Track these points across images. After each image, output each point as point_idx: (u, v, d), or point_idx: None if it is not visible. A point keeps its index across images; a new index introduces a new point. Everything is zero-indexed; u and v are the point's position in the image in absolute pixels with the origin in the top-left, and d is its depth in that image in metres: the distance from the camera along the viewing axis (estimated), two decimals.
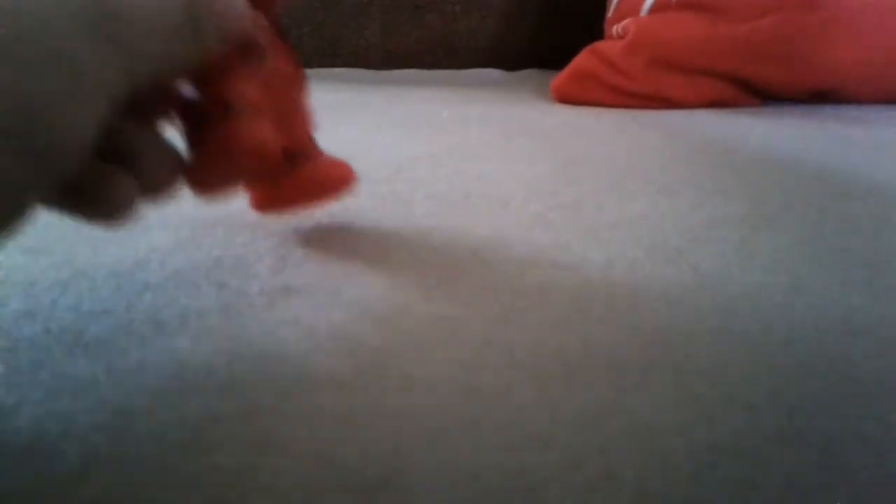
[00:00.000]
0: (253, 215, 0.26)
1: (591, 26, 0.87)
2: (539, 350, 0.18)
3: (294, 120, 0.24)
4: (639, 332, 0.19)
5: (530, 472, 0.13)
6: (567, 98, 0.69)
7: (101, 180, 0.18)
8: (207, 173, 0.21)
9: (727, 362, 0.18)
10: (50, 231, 0.25)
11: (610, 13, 0.78)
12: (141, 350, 0.17)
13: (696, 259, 0.24)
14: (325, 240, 0.26)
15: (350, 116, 0.57)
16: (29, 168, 0.14)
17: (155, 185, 0.19)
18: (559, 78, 0.70)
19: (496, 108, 0.63)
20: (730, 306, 0.21)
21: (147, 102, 0.20)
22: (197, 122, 0.20)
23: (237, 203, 0.22)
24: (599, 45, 0.70)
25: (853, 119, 0.58)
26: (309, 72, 0.99)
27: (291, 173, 0.24)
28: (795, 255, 0.25)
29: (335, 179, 0.26)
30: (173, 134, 0.20)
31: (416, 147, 0.44)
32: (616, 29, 0.72)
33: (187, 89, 0.21)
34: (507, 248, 0.25)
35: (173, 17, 0.17)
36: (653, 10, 0.70)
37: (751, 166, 0.40)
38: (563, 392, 0.16)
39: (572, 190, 0.33)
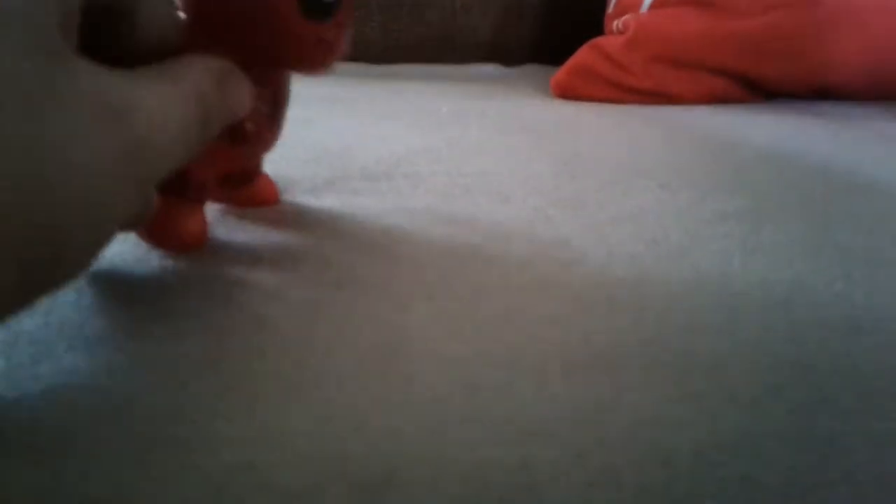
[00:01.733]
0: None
1: (591, 22, 0.87)
2: (540, 346, 0.18)
3: (255, 150, 0.24)
4: (640, 328, 0.19)
5: (531, 467, 0.13)
6: (567, 93, 0.68)
7: None
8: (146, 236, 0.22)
9: (728, 359, 0.18)
10: None
11: (610, 9, 0.78)
12: (141, 345, 0.17)
13: (698, 255, 0.24)
14: (325, 235, 0.26)
15: (349, 110, 0.57)
16: (34, 291, 0.14)
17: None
18: (559, 73, 0.69)
19: (496, 104, 0.63)
20: (731, 303, 0.21)
21: None
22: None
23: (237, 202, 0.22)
24: (600, 40, 0.69)
25: (855, 116, 0.58)
26: None
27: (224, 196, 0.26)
28: (797, 251, 0.25)
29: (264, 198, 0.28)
30: None
31: (415, 141, 0.44)
32: (616, 24, 0.71)
33: None
34: (507, 244, 0.25)
35: (191, 128, 0.17)
36: (653, 5, 0.70)
37: (752, 162, 0.40)
38: (564, 388, 0.16)
39: (573, 185, 0.33)
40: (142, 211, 0.19)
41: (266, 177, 0.28)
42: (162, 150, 0.16)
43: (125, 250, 0.23)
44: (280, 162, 0.28)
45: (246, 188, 0.26)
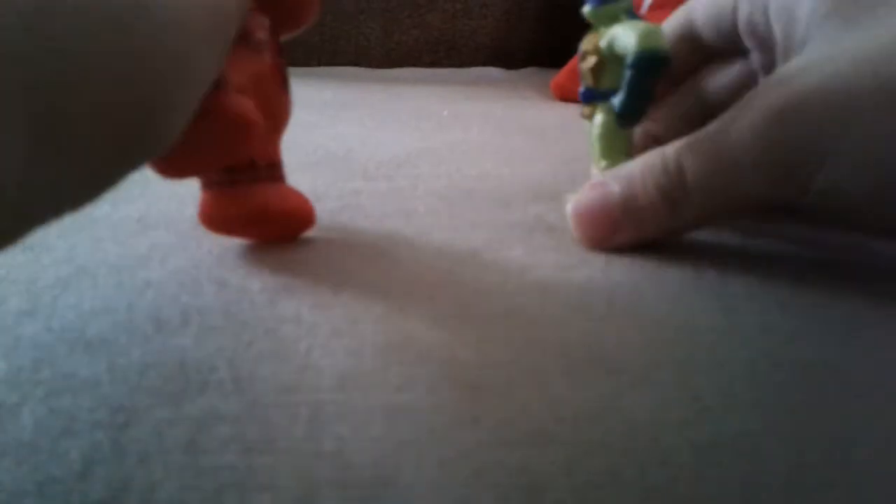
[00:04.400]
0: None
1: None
2: (540, 348, 0.18)
3: (271, 133, 0.23)
4: (640, 330, 0.19)
5: (531, 469, 0.13)
6: (568, 96, 0.68)
7: None
8: (186, 146, 0.19)
9: (728, 359, 0.18)
10: (51, 228, 0.25)
11: None
12: (142, 348, 0.17)
13: (697, 256, 0.24)
14: (326, 238, 0.26)
15: (350, 114, 0.57)
16: (127, 161, 0.14)
17: None
18: (560, 76, 0.70)
19: (497, 107, 0.63)
20: (731, 304, 0.21)
21: None
22: None
23: None
24: None
25: None
26: (309, 70, 0.99)
27: (249, 185, 0.23)
28: (796, 252, 0.25)
29: (293, 211, 0.24)
30: None
31: (416, 145, 0.44)
32: None
33: None
34: (507, 246, 0.25)
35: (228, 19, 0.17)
36: (653, 6, 0.70)
37: None
38: (565, 390, 0.16)
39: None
40: (212, 78, 0.18)
41: (292, 191, 0.24)
42: (229, 11, 0.16)
43: (125, 252, 0.23)
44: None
45: (271, 187, 0.23)
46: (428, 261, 0.24)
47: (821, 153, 0.20)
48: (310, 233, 0.26)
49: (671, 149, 0.23)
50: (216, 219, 0.23)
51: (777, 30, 0.23)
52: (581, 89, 0.28)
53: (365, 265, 0.23)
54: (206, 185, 0.23)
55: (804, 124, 0.20)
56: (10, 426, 0.14)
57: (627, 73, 0.25)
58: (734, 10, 0.26)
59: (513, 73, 0.99)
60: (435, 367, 0.17)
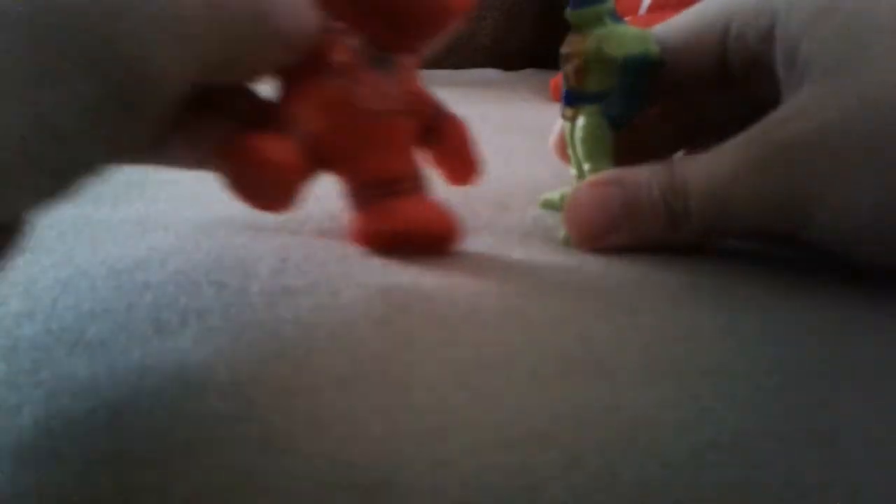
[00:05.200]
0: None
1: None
2: (538, 349, 0.18)
3: (387, 150, 0.23)
4: (638, 331, 0.19)
5: (530, 470, 0.13)
6: None
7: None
8: (232, 181, 0.20)
9: (728, 360, 0.18)
10: (50, 230, 0.25)
11: None
12: (141, 350, 0.17)
13: (696, 257, 0.24)
14: (325, 241, 0.26)
15: None
16: (116, 103, 0.13)
17: None
18: (559, 77, 0.70)
19: (495, 108, 0.63)
20: (729, 304, 0.21)
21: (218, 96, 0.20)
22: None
23: (237, 205, 0.22)
24: None
25: None
26: None
27: (382, 203, 0.23)
28: (796, 252, 0.25)
29: (432, 221, 0.24)
30: None
31: None
32: None
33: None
34: (506, 247, 0.25)
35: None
36: (651, 7, 0.70)
37: None
38: (563, 391, 0.16)
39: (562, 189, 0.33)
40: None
41: (432, 204, 0.24)
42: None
43: (125, 254, 0.23)
44: None
45: (408, 202, 0.23)
46: (426, 263, 0.24)
47: (815, 196, 0.21)
48: (308, 236, 0.26)
49: (680, 165, 0.23)
50: (359, 236, 0.24)
51: (781, 71, 0.23)
52: (564, 91, 0.28)
53: (363, 268, 0.23)
54: (348, 203, 0.24)
55: (800, 166, 0.21)
56: (10, 427, 0.14)
57: (622, 76, 0.25)
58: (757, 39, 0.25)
59: (511, 75, 0.99)
60: (434, 369, 0.17)
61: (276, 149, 0.20)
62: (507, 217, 0.29)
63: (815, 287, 0.22)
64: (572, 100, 0.27)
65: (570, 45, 0.27)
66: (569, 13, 0.27)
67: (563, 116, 0.28)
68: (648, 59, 0.25)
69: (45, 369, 0.16)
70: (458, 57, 1.04)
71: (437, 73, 0.97)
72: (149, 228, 0.27)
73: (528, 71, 1.02)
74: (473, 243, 0.26)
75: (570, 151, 0.28)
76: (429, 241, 0.24)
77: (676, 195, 0.23)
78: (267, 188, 0.21)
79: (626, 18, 0.72)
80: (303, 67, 0.20)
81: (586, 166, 0.27)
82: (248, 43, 0.17)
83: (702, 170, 0.23)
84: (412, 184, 0.24)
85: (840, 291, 0.22)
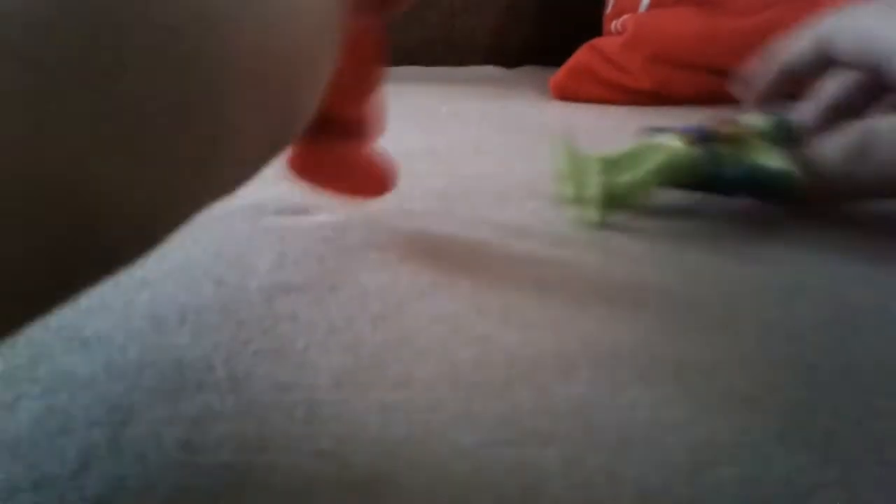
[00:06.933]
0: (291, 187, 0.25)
1: (589, 22, 0.87)
2: (538, 347, 0.18)
3: (362, 94, 0.24)
4: (638, 329, 0.19)
5: (529, 468, 0.13)
6: (566, 94, 0.68)
7: None
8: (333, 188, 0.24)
9: (727, 358, 0.18)
10: None
11: (608, 9, 0.78)
12: (139, 346, 0.17)
13: (697, 256, 0.24)
14: (323, 236, 0.25)
15: None
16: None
17: None
18: (558, 74, 0.69)
19: (495, 105, 0.63)
20: (729, 302, 0.21)
21: None
22: None
23: (237, 202, 0.22)
24: (598, 41, 0.69)
25: None
26: None
27: (332, 140, 0.23)
28: (796, 250, 0.25)
29: (374, 174, 0.25)
30: None
31: (414, 143, 0.44)
32: (615, 25, 0.71)
33: None
34: (506, 245, 0.25)
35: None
36: (652, 5, 0.70)
37: None
38: (563, 388, 0.16)
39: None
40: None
41: (377, 152, 0.25)
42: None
43: None
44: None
45: (355, 148, 0.24)
46: (425, 260, 0.23)
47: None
48: (306, 232, 0.26)
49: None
50: (301, 168, 0.24)
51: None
52: (702, 127, 0.29)
53: (362, 264, 0.23)
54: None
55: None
56: (7, 423, 0.14)
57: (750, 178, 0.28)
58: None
59: (511, 72, 0.99)
60: (432, 366, 0.17)
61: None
62: (507, 212, 0.29)
63: (814, 287, 0.22)
64: (702, 140, 0.29)
65: (740, 127, 0.30)
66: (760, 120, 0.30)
67: (644, 130, 0.30)
68: (782, 181, 0.27)
69: (43, 365, 0.16)
70: (458, 54, 1.04)
71: (436, 70, 0.97)
72: None
73: (528, 68, 1.02)
74: (472, 239, 0.26)
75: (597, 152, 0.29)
76: (368, 186, 0.25)
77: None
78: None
79: (626, 16, 0.72)
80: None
81: (634, 174, 0.28)
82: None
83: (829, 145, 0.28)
84: (366, 130, 0.24)
85: (840, 291, 0.22)
